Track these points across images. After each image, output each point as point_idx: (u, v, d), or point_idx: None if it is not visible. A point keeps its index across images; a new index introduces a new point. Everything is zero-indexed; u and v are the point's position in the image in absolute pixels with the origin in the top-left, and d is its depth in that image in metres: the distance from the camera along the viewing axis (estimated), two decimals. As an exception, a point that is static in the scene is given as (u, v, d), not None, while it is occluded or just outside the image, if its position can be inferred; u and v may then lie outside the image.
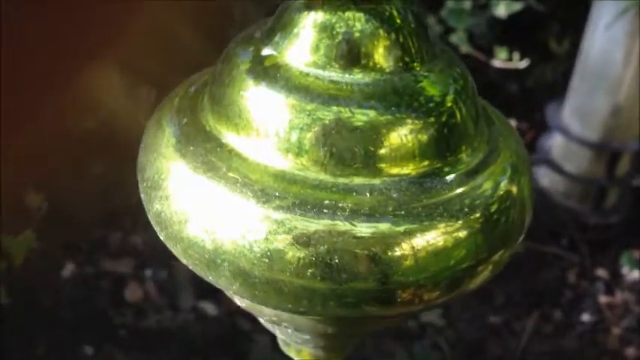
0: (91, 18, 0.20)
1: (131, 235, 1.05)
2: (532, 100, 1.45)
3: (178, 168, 0.27)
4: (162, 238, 0.28)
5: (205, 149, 0.27)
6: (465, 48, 1.01)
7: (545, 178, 1.25)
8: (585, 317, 1.15)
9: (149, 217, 0.28)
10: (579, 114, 1.17)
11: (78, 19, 0.19)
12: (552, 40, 1.50)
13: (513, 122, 1.44)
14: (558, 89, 1.23)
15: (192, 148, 0.27)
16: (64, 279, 0.99)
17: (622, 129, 1.15)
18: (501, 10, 1.04)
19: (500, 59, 1.03)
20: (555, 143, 1.23)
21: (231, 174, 0.26)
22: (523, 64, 1.02)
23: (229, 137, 0.27)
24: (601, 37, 1.08)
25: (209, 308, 1.03)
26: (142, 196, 0.29)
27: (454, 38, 1.04)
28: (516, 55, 1.07)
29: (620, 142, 1.16)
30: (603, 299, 1.18)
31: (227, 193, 0.26)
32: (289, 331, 0.31)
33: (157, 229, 0.28)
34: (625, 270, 1.21)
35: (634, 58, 1.07)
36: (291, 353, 0.34)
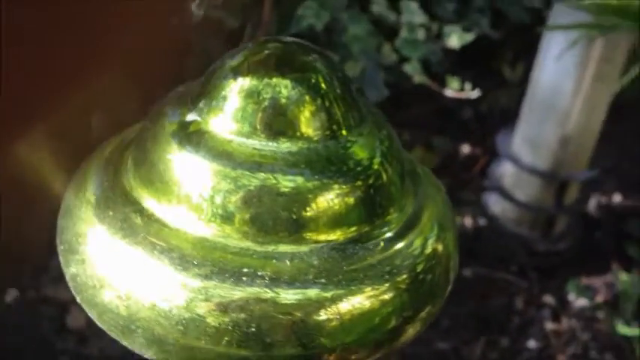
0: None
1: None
2: (486, 125, 1.47)
3: (96, 232, 0.27)
4: (78, 301, 0.28)
5: (124, 214, 0.27)
6: (419, 78, 1.02)
7: (497, 205, 1.27)
8: (531, 344, 1.17)
9: (66, 279, 0.28)
10: (529, 143, 1.19)
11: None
12: (506, 66, 1.53)
13: (467, 148, 1.46)
14: (512, 115, 1.25)
15: (111, 212, 0.27)
16: (7, 304, 0.97)
17: (571, 158, 1.17)
18: (454, 42, 1.06)
19: (453, 89, 1.04)
20: (506, 171, 1.25)
21: (149, 240, 0.26)
22: (475, 94, 1.03)
23: (150, 202, 0.27)
24: (551, 68, 1.10)
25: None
26: (60, 258, 0.28)
27: (408, 68, 1.05)
28: (468, 85, 1.09)
29: (568, 171, 1.18)
30: (550, 326, 1.20)
31: (144, 259, 0.26)
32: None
33: (73, 292, 0.28)
34: (571, 297, 1.23)
35: (583, 88, 1.09)
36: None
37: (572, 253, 1.27)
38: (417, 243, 0.29)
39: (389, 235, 0.28)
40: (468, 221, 1.32)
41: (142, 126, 0.29)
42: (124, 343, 0.27)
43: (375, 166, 0.28)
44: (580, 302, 1.23)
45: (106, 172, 0.29)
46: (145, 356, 0.27)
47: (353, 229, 0.27)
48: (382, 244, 0.28)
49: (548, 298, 1.24)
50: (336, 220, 0.27)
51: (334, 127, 0.28)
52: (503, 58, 1.53)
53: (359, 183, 0.27)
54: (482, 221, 1.30)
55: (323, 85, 0.28)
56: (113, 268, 0.26)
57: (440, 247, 0.29)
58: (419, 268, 0.28)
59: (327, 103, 0.28)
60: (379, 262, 0.27)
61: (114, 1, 0.23)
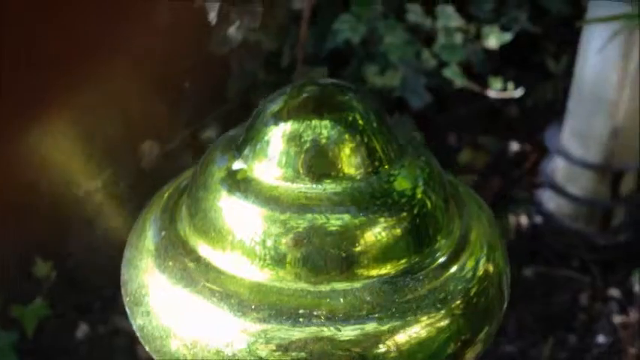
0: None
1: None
2: (533, 121, 1.46)
3: (157, 283, 0.28)
4: (147, 350, 0.29)
5: (183, 263, 0.28)
6: (460, 81, 1.02)
7: (551, 201, 1.25)
8: (600, 339, 1.15)
9: (134, 330, 0.29)
10: (578, 136, 1.17)
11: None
12: (549, 59, 1.51)
13: (516, 145, 1.44)
14: (559, 109, 1.23)
15: (170, 262, 0.28)
16: (78, 340, 1.00)
17: (622, 149, 1.15)
18: (492, 42, 1.05)
19: (495, 89, 1.03)
20: (557, 166, 1.23)
21: (208, 287, 0.27)
22: (518, 92, 1.02)
23: (206, 249, 0.28)
24: (594, 60, 1.08)
25: None
26: (126, 309, 0.29)
27: (448, 73, 1.05)
28: (511, 85, 1.08)
29: (621, 162, 1.16)
30: (617, 319, 1.18)
31: (205, 307, 0.27)
32: None
33: (142, 341, 0.29)
34: (637, 288, 1.21)
35: (629, 78, 1.07)
36: None
37: (633, 244, 1.24)
38: (468, 266, 0.29)
39: (439, 262, 0.28)
40: (523, 220, 1.30)
41: (193, 172, 0.30)
42: None
43: (419, 196, 0.28)
44: (646, 293, 1.20)
45: (164, 221, 0.30)
46: None
47: (403, 260, 0.28)
48: (432, 273, 0.28)
49: (613, 291, 1.21)
50: (386, 254, 0.27)
51: (376, 163, 0.28)
52: (546, 52, 1.51)
53: (404, 214, 0.28)
54: (538, 219, 1.29)
55: (360, 122, 0.28)
56: (177, 318, 0.27)
57: (491, 267, 0.30)
58: (472, 292, 0.28)
59: (365, 139, 0.28)
60: (430, 291, 0.27)
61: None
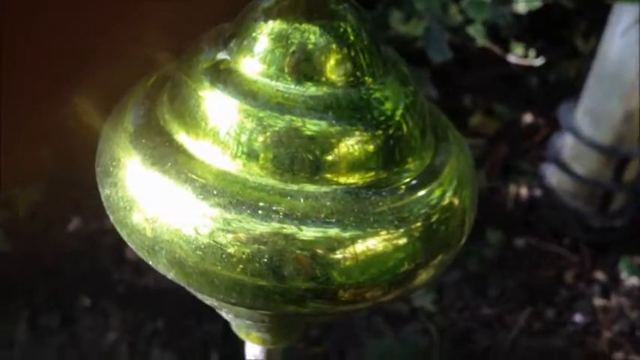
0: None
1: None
2: (552, 95, 1.45)
3: (129, 158, 0.29)
4: (111, 220, 0.30)
5: (155, 143, 0.29)
6: (482, 41, 1.01)
7: (553, 176, 1.26)
8: (578, 318, 1.16)
9: (102, 199, 0.30)
10: (592, 116, 1.17)
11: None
12: (578, 37, 1.49)
13: (530, 117, 1.43)
14: (580, 87, 1.22)
15: (144, 141, 0.29)
16: (69, 233, 1.01)
17: (633, 135, 1.14)
18: (521, 7, 1.04)
19: (516, 55, 1.03)
20: (566, 143, 1.23)
21: (175, 168, 0.28)
22: (538, 61, 1.02)
23: (180, 135, 0.29)
24: (618, 42, 1.07)
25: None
26: (97, 179, 0.30)
27: (471, 30, 1.04)
28: (533, 53, 1.07)
29: (630, 148, 1.16)
30: (598, 302, 1.19)
31: (170, 186, 0.28)
32: (231, 316, 0.33)
33: (107, 212, 0.30)
34: (623, 275, 1.22)
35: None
36: (241, 335, 0.36)
37: (627, 231, 1.25)
38: (434, 194, 0.30)
39: (406, 183, 0.29)
40: (523, 191, 1.31)
41: (179, 60, 0.31)
42: (150, 262, 0.29)
43: (397, 118, 0.29)
44: (631, 281, 1.21)
45: (145, 104, 0.31)
46: (168, 277, 0.29)
47: (371, 174, 0.28)
48: (400, 191, 0.29)
49: (599, 274, 1.22)
50: (354, 165, 0.28)
51: (358, 73, 0.29)
52: (575, 28, 1.49)
53: (379, 132, 0.28)
54: (537, 192, 1.29)
55: (351, 36, 0.29)
56: (142, 193, 0.28)
57: (456, 201, 0.30)
58: (433, 218, 0.29)
59: (352, 53, 0.29)
60: (391, 209, 0.28)
61: None
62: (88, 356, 0.97)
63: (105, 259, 1.04)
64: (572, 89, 1.32)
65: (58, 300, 1.01)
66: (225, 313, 0.33)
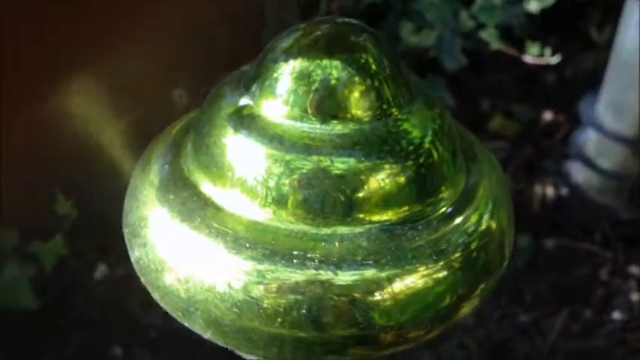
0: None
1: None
2: (570, 91, 1.43)
3: (157, 216, 0.28)
4: (143, 282, 0.29)
5: (183, 197, 0.28)
6: (496, 44, 1.00)
7: (579, 173, 1.24)
8: (616, 315, 1.14)
9: (132, 262, 0.29)
10: (614, 109, 1.15)
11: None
12: (592, 28, 1.47)
13: (550, 114, 1.42)
14: (598, 80, 1.20)
15: (171, 196, 0.28)
16: (96, 281, 1.01)
17: (657, 125, 1.13)
18: (533, 6, 1.03)
19: (532, 54, 1.01)
20: (589, 138, 1.21)
21: (205, 223, 0.27)
22: (555, 59, 1.00)
23: (207, 186, 0.28)
24: (635, 31, 1.06)
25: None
26: (126, 240, 0.29)
27: (484, 35, 1.03)
28: (549, 51, 1.05)
29: (656, 139, 1.14)
30: (635, 297, 1.17)
31: (201, 243, 0.27)
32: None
33: (138, 274, 0.29)
34: (659, 267, 1.20)
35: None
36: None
37: (659, 222, 1.23)
38: (471, 220, 0.29)
39: (441, 213, 0.28)
40: (549, 191, 1.29)
41: (201, 108, 0.30)
42: (185, 324, 0.28)
43: (427, 145, 0.28)
44: (668, 273, 1.19)
45: (169, 155, 0.30)
46: (205, 337, 0.28)
47: (404, 209, 0.27)
48: (434, 222, 0.28)
49: (634, 269, 1.20)
50: (387, 201, 0.27)
51: (384, 106, 0.28)
52: (589, 20, 1.48)
53: (409, 162, 0.27)
54: (564, 191, 1.27)
55: (373, 66, 0.28)
56: (173, 252, 0.27)
57: (494, 224, 0.29)
58: (472, 246, 0.28)
59: (376, 84, 0.28)
60: (429, 242, 0.27)
61: None
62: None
63: (134, 304, 1.03)
64: (590, 82, 1.30)
65: (90, 351, 1.00)
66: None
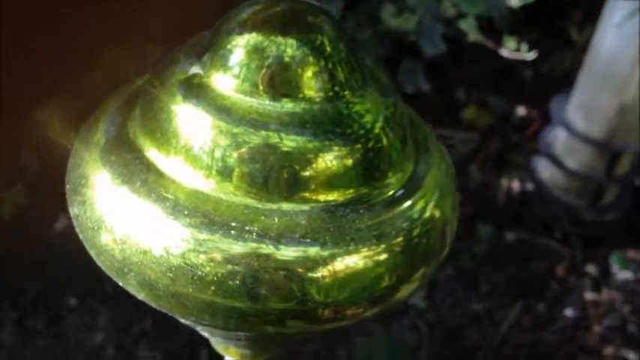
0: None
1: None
2: (546, 87, 1.44)
3: (98, 175, 0.28)
4: (80, 239, 0.29)
5: (125, 160, 0.28)
6: (474, 35, 1.00)
7: (545, 170, 1.25)
8: (568, 312, 1.16)
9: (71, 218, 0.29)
10: (584, 110, 1.16)
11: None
12: (572, 27, 1.48)
13: (523, 110, 1.43)
14: (574, 79, 1.21)
15: (114, 158, 0.28)
16: (57, 231, 1.00)
17: (626, 129, 1.14)
18: (514, 1, 1.03)
19: (509, 49, 1.02)
20: (558, 137, 1.22)
21: (146, 187, 0.27)
22: (531, 55, 1.01)
23: (152, 151, 0.28)
24: (612, 34, 1.06)
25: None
26: (67, 196, 0.29)
27: (463, 24, 1.03)
28: (525, 46, 1.06)
29: (622, 142, 1.15)
30: (589, 296, 1.19)
31: (139, 206, 0.27)
32: (207, 334, 0.32)
33: (76, 230, 0.29)
34: (614, 269, 1.21)
35: (645, 58, 1.06)
36: (219, 350, 0.36)
37: (618, 225, 1.24)
38: (416, 207, 0.29)
39: (386, 197, 0.28)
40: (515, 185, 1.30)
41: (152, 72, 0.30)
42: (120, 283, 0.28)
43: (377, 130, 0.28)
44: (623, 275, 1.21)
45: (116, 118, 0.30)
46: (139, 297, 0.28)
47: (350, 191, 0.28)
48: (380, 206, 0.28)
49: (591, 268, 1.22)
50: (334, 182, 0.27)
51: (336, 88, 0.28)
52: (570, 19, 1.49)
53: (358, 146, 0.28)
54: (529, 186, 1.29)
55: (328, 47, 0.28)
56: (111, 212, 0.27)
57: (437, 213, 0.30)
58: (415, 232, 0.28)
59: (330, 65, 0.28)
60: (369, 226, 0.27)
61: None
62: (74, 357, 0.96)
63: (92, 258, 1.03)
64: (566, 81, 1.31)
65: (46, 300, 1.00)
66: (201, 331, 0.33)
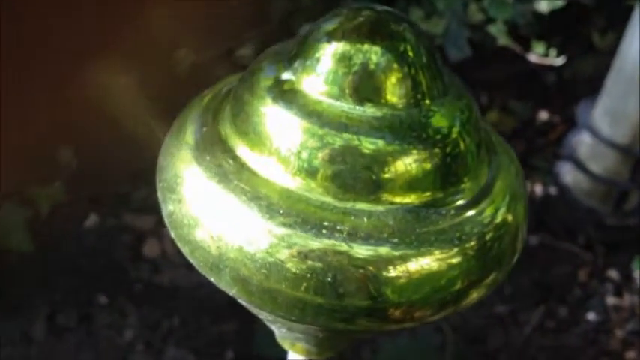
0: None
1: (155, 193, 1.07)
2: (569, 93, 1.44)
3: (193, 174, 0.29)
4: (172, 236, 0.30)
5: (220, 159, 0.29)
6: (503, 40, 1.01)
7: (569, 175, 1.26)
8: (590, 316, 1.16)
9: (163, 215, 0.31)
10: (610, 115, 1.16)
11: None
12: (595, 33, 1.49)
13: (546, 114, 1.43)
14: (597, 84, 1.22)
15: (208, 157, 0.29)
16: (86, 229, 1.02)
17: (651, 135, 1.14)
18: (543, 6, 1.04)
19: (537, 54, 1.02)
20: (583, 141, 1.23)
21: (240, 186, 0.28)
22: (559, 60, 1.01)
23: (243, 151, 0.29)
24: (639, 40, 1.07)
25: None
26: (158, 194, 0.31)
27: (493, 29, 1.04)
28: (554, 52, 1.07)
29: (647, 148, 1.16)
30: (611, 300, 1.19)
31: (235, 204, 0.28)
32: (283, 329, 0.33)
33: (168, 227, 0.30)
34: (637, 274, 1.22)
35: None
36: (285, 345, 0.37)
37: (641, 230, 1.25)
38: (488, 212, 0.30)
39: (461, 202, 0.29)
40: (538, 189, 1.31)
41: (241, 78, 0.31)
42: (212, 279, 0.29)
43: (454, 136, 0.29)
44: (645, 280, 1.22)
45: (205, 119, 0.31)
46: (230, 293, 0.29)
47: (427, 194, 0.29)
48: (453, 210, 0.29)
49: (613, 273, 1.22)
50: (412, 184, 0.28)
51: (418, 95, 0.29)
52: (593, 25, 1.49)
53: (437, 150, 0.29)
54: (552, 190, 1.29)
55: (411, 54, 0.29)
56: (207, 210, 0.28)
57: (509, 218, 0.30)
58: (487, 236, 0.29)
59: (413, 72, 0.29)
60: (449, 228, 0.28)
61: None
62: (104, 354, 0.97)
63: (122, 256, 1.04)
64: (589, 86, 1.31)
65: (76, 297, 1.01)
66: (275, 325, 0.34)
